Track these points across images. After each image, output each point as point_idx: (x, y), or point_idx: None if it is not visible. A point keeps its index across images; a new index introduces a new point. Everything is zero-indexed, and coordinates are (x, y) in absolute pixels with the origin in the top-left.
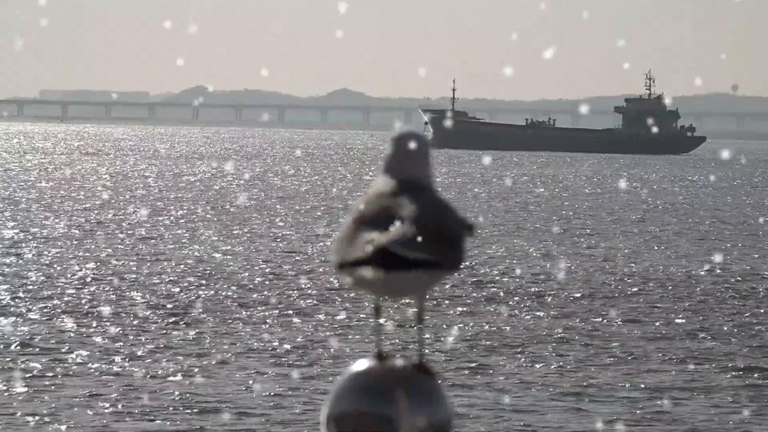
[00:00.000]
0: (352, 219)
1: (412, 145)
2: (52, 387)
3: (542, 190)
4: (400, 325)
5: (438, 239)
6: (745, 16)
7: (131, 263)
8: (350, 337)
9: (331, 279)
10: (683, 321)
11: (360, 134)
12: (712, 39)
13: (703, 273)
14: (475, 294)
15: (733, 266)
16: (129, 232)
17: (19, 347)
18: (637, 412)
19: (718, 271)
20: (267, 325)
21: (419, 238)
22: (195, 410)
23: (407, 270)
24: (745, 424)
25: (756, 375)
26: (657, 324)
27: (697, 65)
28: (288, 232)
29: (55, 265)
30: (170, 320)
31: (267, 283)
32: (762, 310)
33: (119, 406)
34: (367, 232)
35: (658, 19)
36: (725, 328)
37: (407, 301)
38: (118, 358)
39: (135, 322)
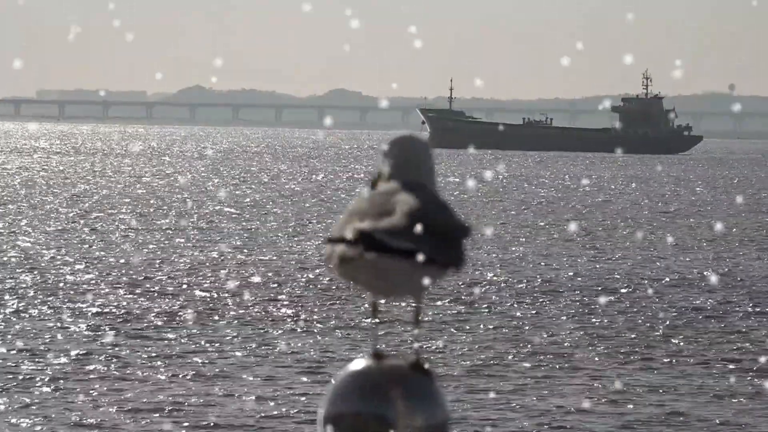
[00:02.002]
0: (347, 214)
1: (410, 148)
2: (54, 389)
3: (538, 189)
4: (397, 324)
5: (431, 235)
6: (743, 16)
7: (130, 264)
8: (347, 336)
9: (328, 278)
10: (684, 320)
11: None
12: (709, 38)
13: (704, 272)
14: (473, 293)
15: (737, 266)
16: (136, 233)
17: (20, 350)
18: (640, 412)
19: (721, 270)
20: (264, 325)
21: (411, 232)
22: (190, 411)
23: (388, 255)
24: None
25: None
26: (658, 323)
27: (694, 65)
28: (286, 232)
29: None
30: (166, 321)
31: (264, 282)
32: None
33: (116, 408)
34: (359, 222)
35: (656, 19)
36: (731, 328)
37: (405, 300)
38: (113, 360)
39: (130, 323)
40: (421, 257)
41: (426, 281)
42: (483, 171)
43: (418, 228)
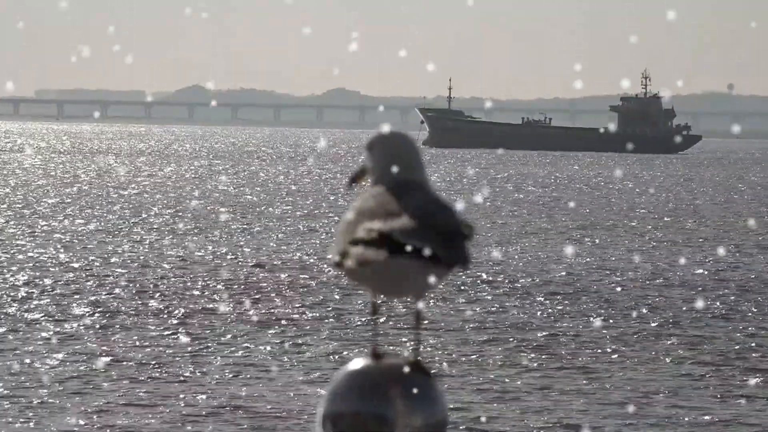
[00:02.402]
0: (353, 214)
1: (399, 145)
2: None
3: (537, 189)
4: (396, 323)
5: (440, 236)
6: (741, 15)
7: (127, 264)
8: (346, 336)
9: (327, 277)
10: (684, 319)
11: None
12: (707, 38)
13: (702, 272)
14: (472, 293)
15: (737, 265)
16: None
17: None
18: (641, 412)
19: (720, 270)
20: (262, 325)
21: (422, 232)
22: (188, 410)
23: (408, 257)
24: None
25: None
26: (658, 322)
27: (692, 64)
28: (283, 230)
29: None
30: (162, 321)
31: (262, 282)
32: (762, 309)
33: (112, 408)
34: (369, 222)
35: (654, 18)
36: (731, 327)
37: (406, 300)
38: (110, 360)
39: (126, 322)
40: (434, 259)
41: (432, 281)
42: (481, 171)
43: (429, 230)
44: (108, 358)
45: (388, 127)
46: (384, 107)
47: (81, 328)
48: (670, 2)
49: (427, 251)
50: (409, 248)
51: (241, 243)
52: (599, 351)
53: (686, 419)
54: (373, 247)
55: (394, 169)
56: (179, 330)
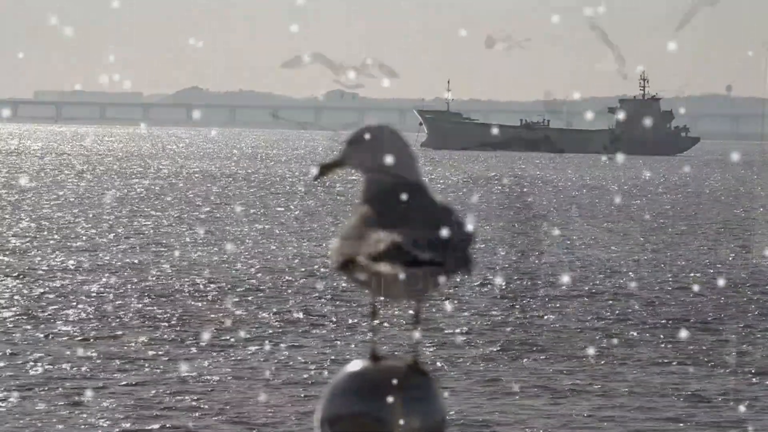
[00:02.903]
0: (358, 219)
1: (388, 140)
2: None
3: (535, 190)
4: (396, 325)
5: (443, 241)
6: (740, 17)
7: (128, 262)
8: (345, 337)
9: (326, 279)
10: (683, 320)
11: None
12: (706, 39)
13: (702, 273)
14: (472, 293)
15: (735, 265)
16: (132, 234)
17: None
18: (642, 413)
19: (719, 270)
20: (261, 326)
21: (428, 240)
22: (187, 412)
23: (419, 268)
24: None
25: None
26: (661, 324)
27: (691, 66)
28: (283, 232)
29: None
30: (160, 322)
31: (261, 283)
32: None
33: (111, 409)
34: (375, 232)
35: (653, 19)
36: (732, 330)
37: (405, 301)
38: (109, 360)
39: (126, 324)
40: (437, 264)
41: (435, 286)
42: (481, 172)
43: (435, 237)
44: (106, 360)
45: (372, 121)
46: (382, 109)
47: (79, 329)
48: (670, 3)
49: (431, 258)
50: (421, 257)
51: (240, 244)
52: (599, 351)
53: (688, 419)
54: (386, 260)
55: (388, 167)
56: (176, 332)
